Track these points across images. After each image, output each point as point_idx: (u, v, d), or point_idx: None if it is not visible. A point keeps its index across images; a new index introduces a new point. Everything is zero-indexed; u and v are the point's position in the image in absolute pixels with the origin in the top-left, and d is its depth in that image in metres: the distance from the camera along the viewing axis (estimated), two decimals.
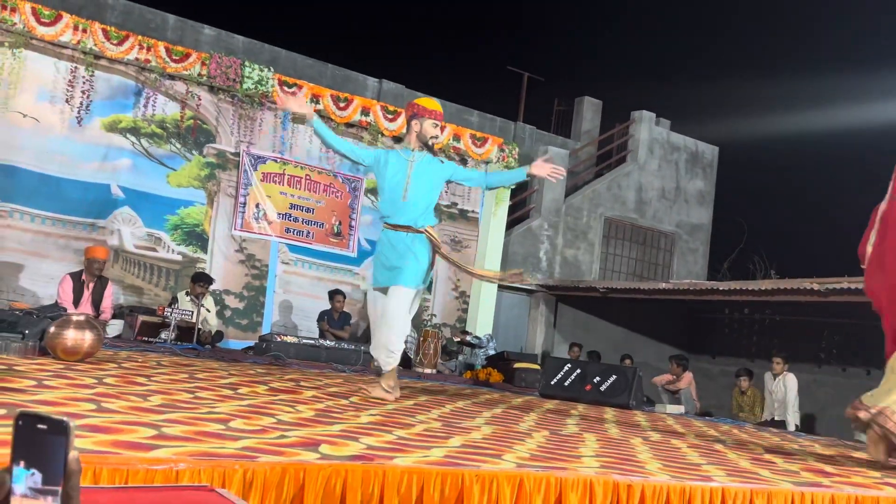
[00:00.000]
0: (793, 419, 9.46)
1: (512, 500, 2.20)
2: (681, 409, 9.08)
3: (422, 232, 4.86)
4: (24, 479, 0.96)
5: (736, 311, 12.95)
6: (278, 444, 2.31)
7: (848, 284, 9.01)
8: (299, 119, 4.82)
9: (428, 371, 9.20)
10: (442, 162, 5.09)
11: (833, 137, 17.54)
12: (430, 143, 4.97)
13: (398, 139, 11.23)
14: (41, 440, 0.98)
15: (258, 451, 2.13)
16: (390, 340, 4.80)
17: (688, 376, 10.37)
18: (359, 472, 2.00)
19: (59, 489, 0.97)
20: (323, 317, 9.84)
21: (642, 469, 2.83)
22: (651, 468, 2.90)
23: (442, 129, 11.47)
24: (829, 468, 3.88)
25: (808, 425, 10.35)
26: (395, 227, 4.88)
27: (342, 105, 10.68)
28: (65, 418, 0.99)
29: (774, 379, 9.74)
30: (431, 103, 5.02)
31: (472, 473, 2.17)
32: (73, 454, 0.99)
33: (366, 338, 10.02)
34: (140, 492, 1.67)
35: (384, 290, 4.89)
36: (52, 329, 4.57)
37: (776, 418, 9.50)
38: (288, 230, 10.41)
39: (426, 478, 2.09)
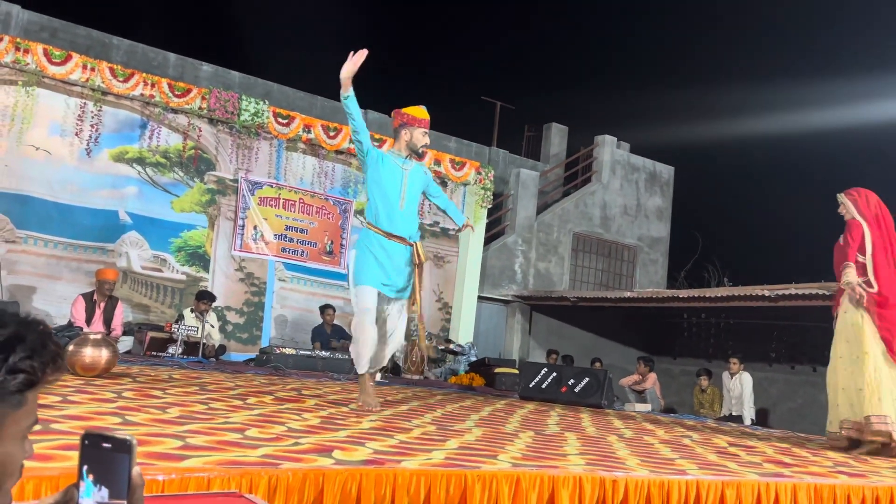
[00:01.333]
0: (749, 414, 9.54)
1: (510, 497, 2.22)
2: (647, 407, 9.14)
3: (412, 246, 4.52)
4: (93, 495, 0.97)
5: (694, 316, 13.06)
6: (295, 451, 2.32)
7: (795, 290, 9.14)
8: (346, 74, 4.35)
9: (416, 377, 9.20)
10: (426, 173, 4.74)
11: (776, 149, 17.82)
12: (420, 151, 4.58)
13: None
14: (106, 457, 0.99)
15: (278, 457, 2.14)
16: (387, 357, 4.61)
17: (652, 376, 10.43)
18: (372, 475, 2.02)
19: (125, 503, 0.98)
20: (316, 336, 9.64)
21: (623, 465, 2.86)
22: (631, 464, 2.93)
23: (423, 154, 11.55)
24: (787, 459, 3.93)
25: (762, 419, 10.45)
26: (390, 235, 4.41)
27: (332, 134, 10.70)
28: (129, 437, 1.00)
29: (731, 378, 9.83)
30: (420, 112, 4.62)
31: (473, 474, 2.19)
32: (136, 469, 1.00)
33: None
34: (176, 500, 1.68)
35: (381, 295, 4.44)
36: (70, 347, 4.53)
37: (734, 413, 9.58)
38: (284, 250, 10.39)
39: (433, 479, 2.11)
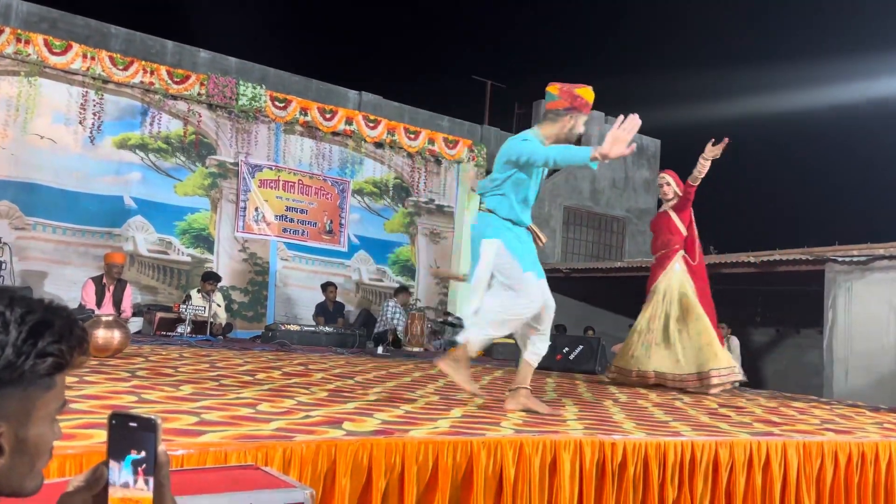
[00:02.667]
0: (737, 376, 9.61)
1: (514, 462, 2.24)
2: None
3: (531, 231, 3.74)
4: (131, 466, 0.97)
5: None
6: (306, 424, 2.33)
7: (779, 256, 9.17)
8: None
9: (416, 350, 9.23)
10: None
11: (762, 123, 17.77)
12: (572, 141, 3.71)
13: (379, 145, 11.21)
14: (133, 436, 0.99)
15: (291, 431, 2.15)
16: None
17: None
18: (382, 445, 2.03)
19: (152, 479, 0.99)
20: (319, 312, 9.80)
21: (620, 428, 2.89)
22: (627, 427, 2.96)
23: (417, 134, 11.49)
24: (775, 418, 3.96)
25: (749, 381, 10.53)
26: (519, 224, 3.64)
27: (328, 116, 10.63)
28: (154, 416, 1.00)
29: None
30: (591, 96, 3.71)
31: (479, 441, 2.20)
32: (161, 447, 1.00)
33: (360, 323, 10.04)
34: (195, 473, 1.69)
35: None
36: None
37: None
38: (285, 230, 10.37)
39: (440, 447, 2.12)
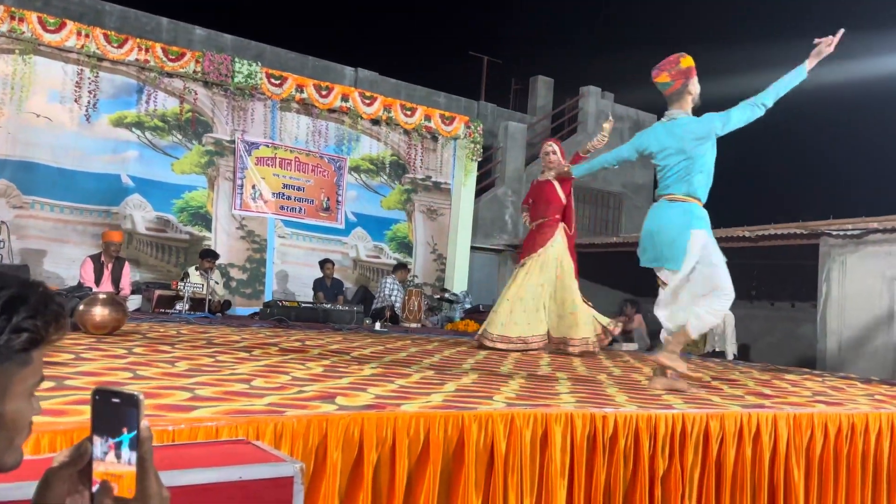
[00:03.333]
0: (731, 349, 9.65)
1: (505, 435, 2.24)
2: (634, 346, 9.22)
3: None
4: (128, 443, 0.97)
5: None
6: (299, 399, 2.33)
7: (775, 230, 9.16)
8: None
9: (414, 325, 9.25)
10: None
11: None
12: (699, 102, 3.91)
13: (375, 121, 11.14)
14: (116, 412, 0.99)
15: (283, 406, 2.14)
16: None
17: (638, 317, 10.53)
18: (373, 419, 2.03)
19: (135, 454, 0.98)
20: (317, 288, 9.82)
21: (612, 401, 2.89)
22: (619, 400, 2.96)
23: (414, 111, 11.41)
24: (767, 391, 3.98)
25: (743, 354, 10.57)
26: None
27: (324, 93, 10.54)
28: (136, 392, 0.99)
29: None
30: (690, 60, 3.83)
31: (470, 414, 2.20)
32: (144, 423, 0.99)
33: (358, 300, 10.04)
34: (186, 448, 1.69)
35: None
36: (81, 307, 4.52)
37: (717, 349, 9.68)
38: (282, 207, 10.33)
39: (431, 420, 2.12)
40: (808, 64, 3.66)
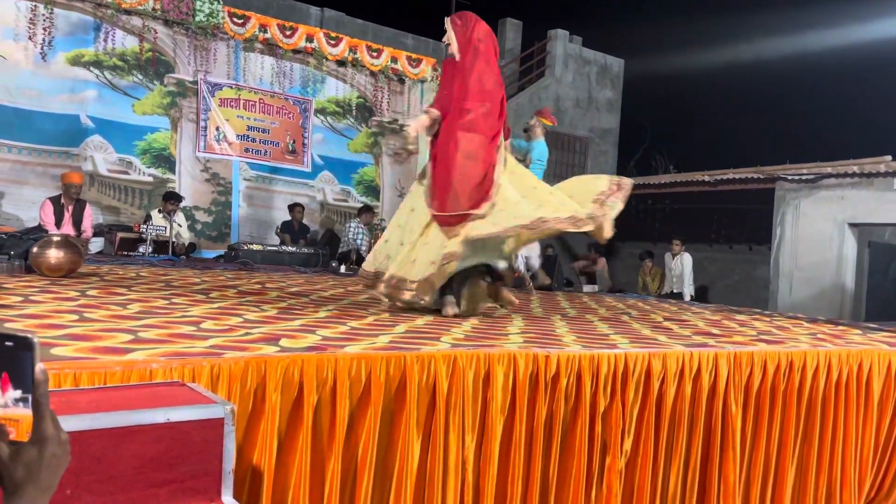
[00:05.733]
0: (688, 291, 9.81)
1: (447, 376, 2.24)
2: (595, 287, 9.33)
3: None
4: (8, 384, 0.93)
5: (641, 202, 13.17)
6: (243, 341, 2.30)
7: (733, 175, 9.23)
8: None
9: None
10: None
11: (723, 51, 17.62)
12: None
13: (341, 63, 10.88)
14: (10, 355, 0.95)
15: (225, 348, 2.11)
16: None
17: (602, 260, 10.62)
18: (313, 360, 2.01)
19: (30, 397, 0.95)
20: (284, 230, 9.72)
21: (559, 342, 2.90)
22: (567, 340, 2.98)
23: (380, 52, 11.15)
24: (715, 331, 4.03)
25: (701, 296, 10.76)
26: None
27: (288, 33, 10.24)
28: (29, 335, 0.96)
29: (673, 258, 10.04)
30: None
31: (412, 356, 2.19)
32: (39, 366, 0.96)
33: (324, 243, 9.97)
34: (117, 390, 1.66)
35: None
36: (35, 249, 4.42)
37: (675, 291, 9.84)
38: (247, 150, 10.13)
39: (373, 362, 2.11)
40: None
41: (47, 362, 1.60)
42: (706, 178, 9.60)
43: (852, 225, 8.15)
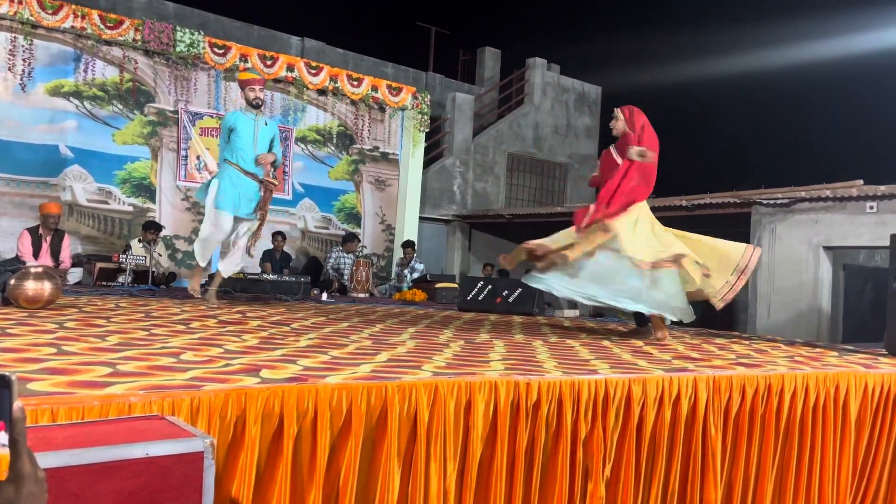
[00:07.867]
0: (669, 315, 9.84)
1: (429, 405, 2.24)
2: (576, 312, 9.36)
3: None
4: None
5: None
6: (223, 373, 2.28)
7: (710, 199, 9.34)
8: None
9: (362, 295, 9.21)
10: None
11: (698, 67, 17.90)
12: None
13: (322, 92, 10.95)
14: None
15: (205, 380, 2.10)
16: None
17: None
18: (294, 392, 2.00)
19: (7, 435, 0.95)
20: (266, 257, 9.69)
21: (540, 368, 2.91)
22: (548, 366, 2.99)
23: (360, 81, 11.23)
24: (695, 354, 4.07)
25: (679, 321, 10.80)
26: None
27: (269, 63, 10.30)
28: (6, 373, 0.96)
29: None
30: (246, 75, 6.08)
31: (393, 385, 2.19)
32: (17, 404, 0.96)
33: (305, 272, 9.94)
34: (95, 425, 1.64)
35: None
36: (12, 281, 4.37)
37: None
38: None
39: (354, 392, 2.10)
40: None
41: (24, 398, 1.59)
42: (683, 203, 9.70)
43: (827, 248, 8.27)
